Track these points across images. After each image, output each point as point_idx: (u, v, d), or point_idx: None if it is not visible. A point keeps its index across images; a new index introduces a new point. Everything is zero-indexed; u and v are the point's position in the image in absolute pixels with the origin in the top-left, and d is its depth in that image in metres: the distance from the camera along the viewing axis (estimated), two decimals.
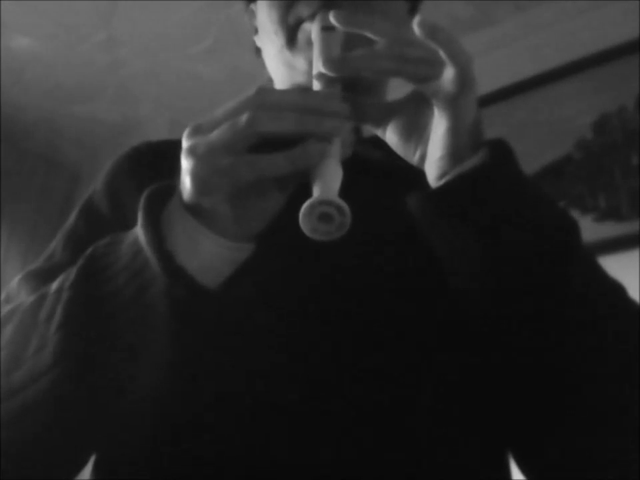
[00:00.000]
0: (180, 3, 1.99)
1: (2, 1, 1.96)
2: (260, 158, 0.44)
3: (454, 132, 0.49)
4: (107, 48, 2.17)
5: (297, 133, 0.44)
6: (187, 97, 2.33)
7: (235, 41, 2.04)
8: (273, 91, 0.46)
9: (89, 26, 2.09)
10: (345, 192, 0.45)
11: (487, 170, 0.49)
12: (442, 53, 0.48)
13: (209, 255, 0.47)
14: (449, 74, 0.48)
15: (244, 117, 0.44)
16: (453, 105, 0.49)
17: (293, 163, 0.44)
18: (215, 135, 0.44)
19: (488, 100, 1.91)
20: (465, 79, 0.48)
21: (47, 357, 0.48)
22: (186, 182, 0.46)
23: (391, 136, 0.54)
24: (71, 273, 0.51)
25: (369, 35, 0.50)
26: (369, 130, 0.67)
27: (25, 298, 0.56)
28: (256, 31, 0.72)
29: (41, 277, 0.59)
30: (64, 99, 2.38)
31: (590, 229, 1.70)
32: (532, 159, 1.81)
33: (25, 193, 2.52)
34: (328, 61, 0.48)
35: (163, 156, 0.58)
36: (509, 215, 0.49)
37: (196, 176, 0.45)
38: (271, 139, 0.44)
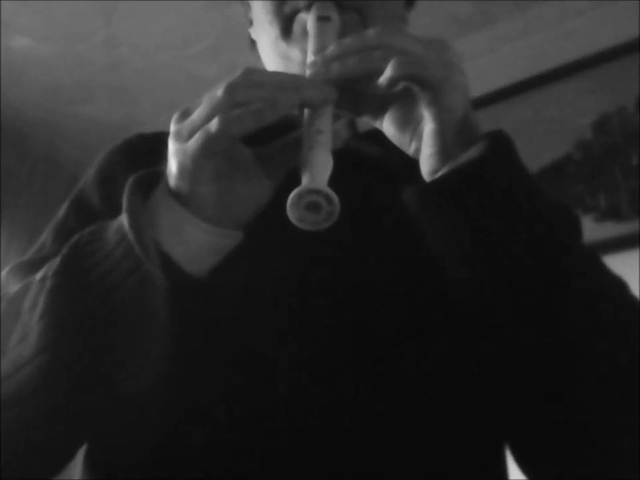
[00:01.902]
0: (180, 3, 1.99)
1: (2, 1, 1.95)
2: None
3: (439, 132, 0.49)
4: (106, 48, 2.17)
5: (271, 122, 0.45)
6: (186, 97, 2.32)
7: (234, 41, 2.04)
8: (247, 80, 0.46)
9: (88, 26, 2.09)
10: (338, 186, 0.45)
11: (484, 162, 0.48)
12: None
13: (195, 242, 0.47)
14: (428, 76, 0.48)
15: (214, 123, 0.44)
16: (435, 106, 0.49)
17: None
18: (191, 142, 0.45)
19: (488, 100, 1.91)
20: (444, 82, 0.48)
21: (30, 345, 0.48)
22: (172, 165, 0.47)
23: (387, 127, 0.54)
24: (56, 261, 0.50)
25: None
26: (364, 126, 0.67)
27: (12, 288, 0.56)
28: (251, 23, 0.72)
29: (30, 269, 0.59)
30: (64, 99, 2.38)
31: (590, 229, 1.70)
32: (532, 158, 1.80)
33: (25, 193, 2.52)
34: (313, 64, 0.49)
35: (156, 148, 0.58)
36: (504, 208, 0.49)
37: (181, 158, 0.46)
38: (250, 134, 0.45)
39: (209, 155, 0.45)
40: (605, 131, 1.80)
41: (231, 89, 0.45)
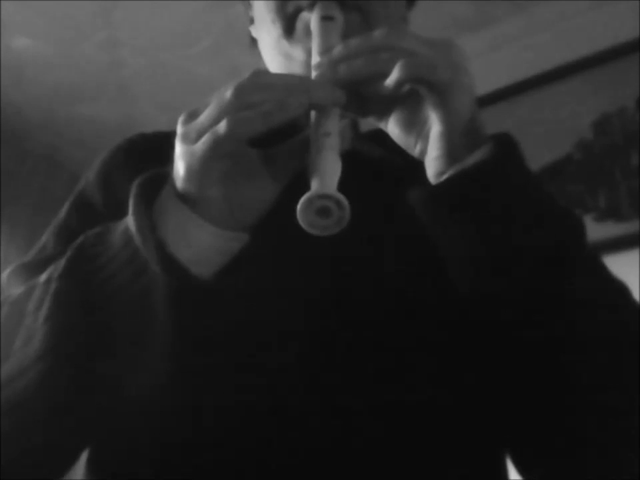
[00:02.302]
0: (180, 3, 1.99)
1: (2, 1, 1.95)
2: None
3: (446, 133, 0.49)
4: (107, 48, 2.17)
5: (280, 124, 0.45)
6: (186, 97, 2.32)
7: (234, 41, 2.04)
8: (256, 82, 0.46)
9: (89, 26, 2.08)
10: (342, 188, 0.44)
11: (491, 165, 0.48)
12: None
13: (201, 245, 0.47)
14: (436, 77, 0.48)
15: (222, 125, 0.44)
16: (443, 106, 0.49)
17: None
18: (199, 144, 0.45)
19: (488, 100, 1.90)
20: (453, 82, 0.48)
21: (35, 348, 0.48)
22: (179, 167, 0.46)
23: (392, 128, 0.53)
24: (60, 263, 0.50)
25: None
26: (366, 126, 0.67)
27: (15, 290, 0.56)
28: (252, 22, 0.71)
29: (32, 270, 0.58)
30: (64, 99, 2.37)
31: (590, 229, 1.69)
32: (532, 159, 1.79)
33: (25, 194, 2.52)
34: (321, 65, 0.49)
35: (158, 147, 0.58)
36: (510, 211, 0.49)
37: (189, 161, 0.46)
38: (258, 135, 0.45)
39: (217, 156, 0.45)
40: (605, 131, 1.80)
41: (239, 91, 0.45)
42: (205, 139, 0.45)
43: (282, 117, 0.44)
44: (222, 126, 0.44)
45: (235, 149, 0.45)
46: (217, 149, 0.45)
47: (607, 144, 1.78)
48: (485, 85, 1.91)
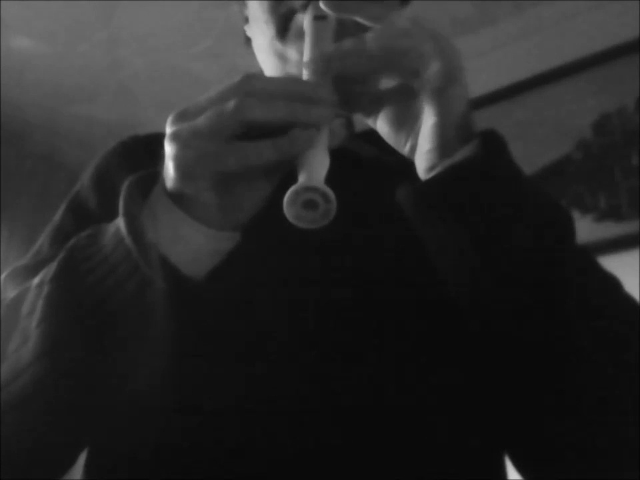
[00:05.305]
0: (180, 3, 1.99)
1: (2, 1, 1.95)
2: (246, 145, 0.43)
3: (441, 125, 0.49)
4: (107, 48, 2.17)
5: (285, 120, 0.44)
6: (187, 97, 2.32)
7: (234, 41, 2.03)
8: (261, 77, 0.46)
9: (89, 26, 2.09)
10: (334, 186, 0.44)
11: (478, 161, 0.48)
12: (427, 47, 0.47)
13: (192, 245, 0.46)
14: (434, 67, 0.47)
15: (231, 103, 0.43)
16: (439, 98, 0.48)
17: (279, 151, 0.44)
18: (200, 120, 0.44)
19: (488, 100, 1.91)
20: (450, 73, 0.47)
21: (29, 351, 0.47)
22: (170, 168, 0.46)
23: (381, 125, 0.53)
24: (52, 266, 0.50)
25: (360, 19, 0.50)
26: (361, 125, 0.67)
27: (11, 294, 0.55)
28: (246, 21, 0.71)
29: (28, 273, 0.58)
30: (64, 99, 2.38)
31: (590, 229, 1.70)
32: (532, 159, 1.81)
33: (25, 193, 2.52)
34: (314, 60, 0.48)
35: (152, 149, 0.58)
36: (500, 207, 0.49)
37: (180, 161, 0.45)
38: (257, 126, 0.44)
39: (218, 136, 0.44)
40: (605, 131, 1.80)
41: (249, 78, 0.44)
42: (209, 114, 0.43)
43: (286, 116, 0.44)
44: (230, 104, 0.43)
45: (235, 130, 0.44)
46: (220, 127, 0.43)
47: (607, 144, 1.79)
48: (485, 85, 1.92)
